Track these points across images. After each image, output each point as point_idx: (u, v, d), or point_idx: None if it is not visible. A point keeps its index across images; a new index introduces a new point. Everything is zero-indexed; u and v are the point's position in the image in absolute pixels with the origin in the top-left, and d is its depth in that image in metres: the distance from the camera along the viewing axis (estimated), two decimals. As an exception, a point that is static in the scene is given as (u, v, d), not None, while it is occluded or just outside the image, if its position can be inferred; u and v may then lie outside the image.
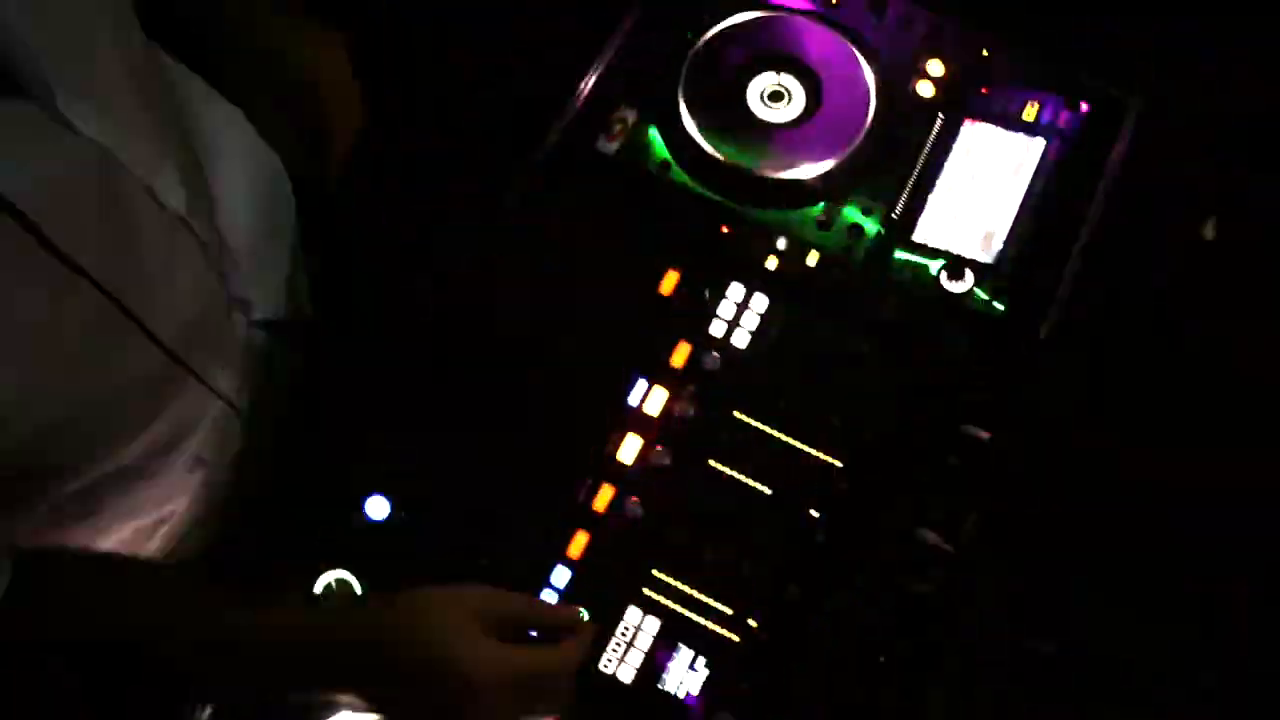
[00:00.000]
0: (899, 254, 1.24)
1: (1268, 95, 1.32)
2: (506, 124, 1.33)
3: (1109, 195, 1.29)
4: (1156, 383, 1.27)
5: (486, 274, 1.23)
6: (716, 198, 1.26)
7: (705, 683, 1.09)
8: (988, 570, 1.15)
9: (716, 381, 1.18)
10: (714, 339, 1.19)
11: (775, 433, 1.16)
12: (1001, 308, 1.21)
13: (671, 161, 1.28)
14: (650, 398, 1.18)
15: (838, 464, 1.15)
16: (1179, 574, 1.25)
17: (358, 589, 1.13)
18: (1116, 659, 1.23)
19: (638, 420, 1.17)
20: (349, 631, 0.94)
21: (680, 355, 1.19)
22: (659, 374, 1.18)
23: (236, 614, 0.94)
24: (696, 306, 1.20)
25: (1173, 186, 1.33)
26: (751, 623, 1.10)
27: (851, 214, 1.26)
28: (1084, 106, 1.28)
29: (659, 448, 1.15)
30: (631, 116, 1.30)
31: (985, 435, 1.18)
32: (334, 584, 1.13)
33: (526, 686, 0.92)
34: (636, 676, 1.10)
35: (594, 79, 1.32)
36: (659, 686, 1.09)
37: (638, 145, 1.29)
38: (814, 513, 1.14)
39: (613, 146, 1.29)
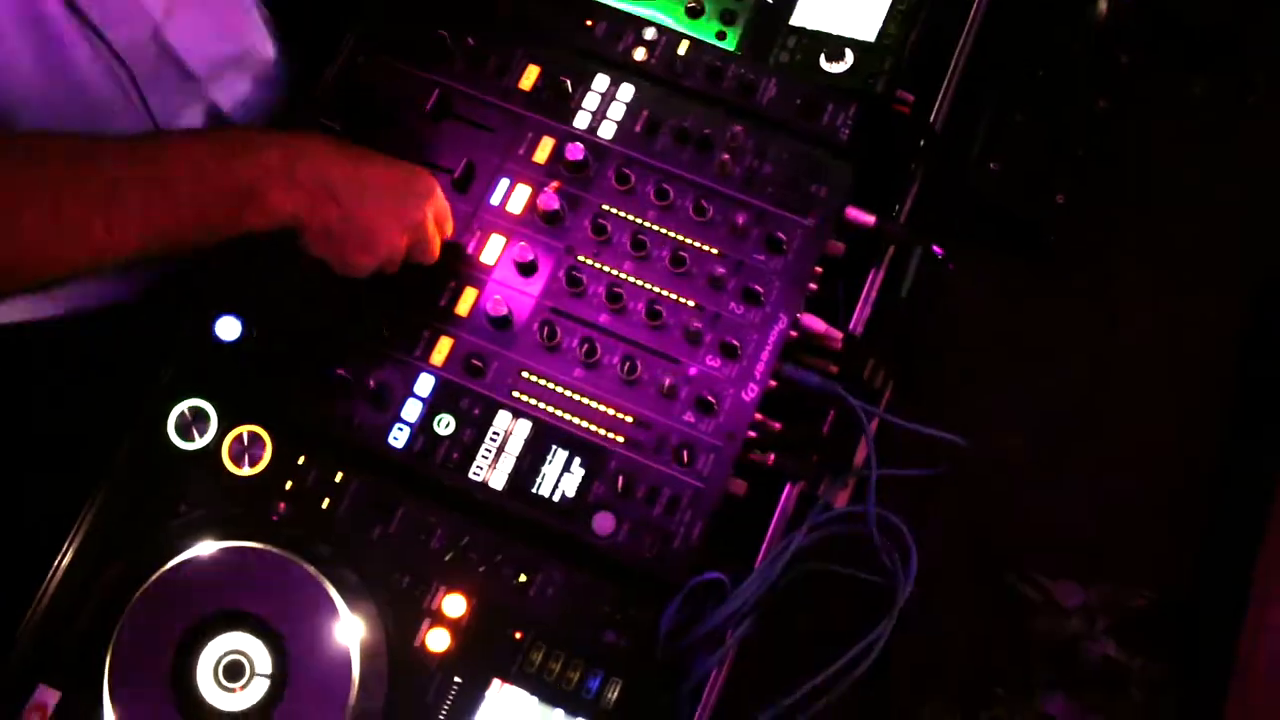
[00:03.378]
0: (775, 38, 1.17)
1: None
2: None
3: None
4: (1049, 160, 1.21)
5: (342, 77, 1.16)
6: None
7: (581, 484, 1.03)
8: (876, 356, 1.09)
9: (581, 174, 1.11)
10: (578, 131, 1.12)
11: (645, 223, 1.09)
12: (882, 88, 1.14)
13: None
14: (513, 196, 1.10)
15: (713, 251, 1.09)
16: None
17: (214, 417, 1.07)
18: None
19: (500, 219, 1.10)
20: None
21: (543, 151, 1.12)
22: (521, 171, 1.11)
23: None
24: (558, 99, 1.13)
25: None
26: (629, 420, 1.05)
27: None
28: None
29: (523, 244, 1.08)
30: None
31: (871, 220, 1.12)
32: (188, 411, 1.07)
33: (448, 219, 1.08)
34: (509, 482, 1.04)
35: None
36: (533, 491, 1.03)
37: (494, -57, 1.21)
38: (690, 303, 1.07)
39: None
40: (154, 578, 1.01)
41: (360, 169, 1.01)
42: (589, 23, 1.16)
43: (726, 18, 1.17)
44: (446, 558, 1.03)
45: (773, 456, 1.07)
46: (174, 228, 0.91)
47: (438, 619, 1.01)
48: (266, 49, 1.22)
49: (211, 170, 0.92)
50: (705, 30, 1.17)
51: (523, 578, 1.02)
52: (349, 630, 0.99)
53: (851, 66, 1.15)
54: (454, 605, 1.02)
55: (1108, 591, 1.13)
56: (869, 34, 1.16)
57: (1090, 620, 1.11)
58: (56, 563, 1.04)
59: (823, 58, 1.15)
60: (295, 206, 0.96)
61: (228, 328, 1.07)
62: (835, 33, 1.16)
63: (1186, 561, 1.15)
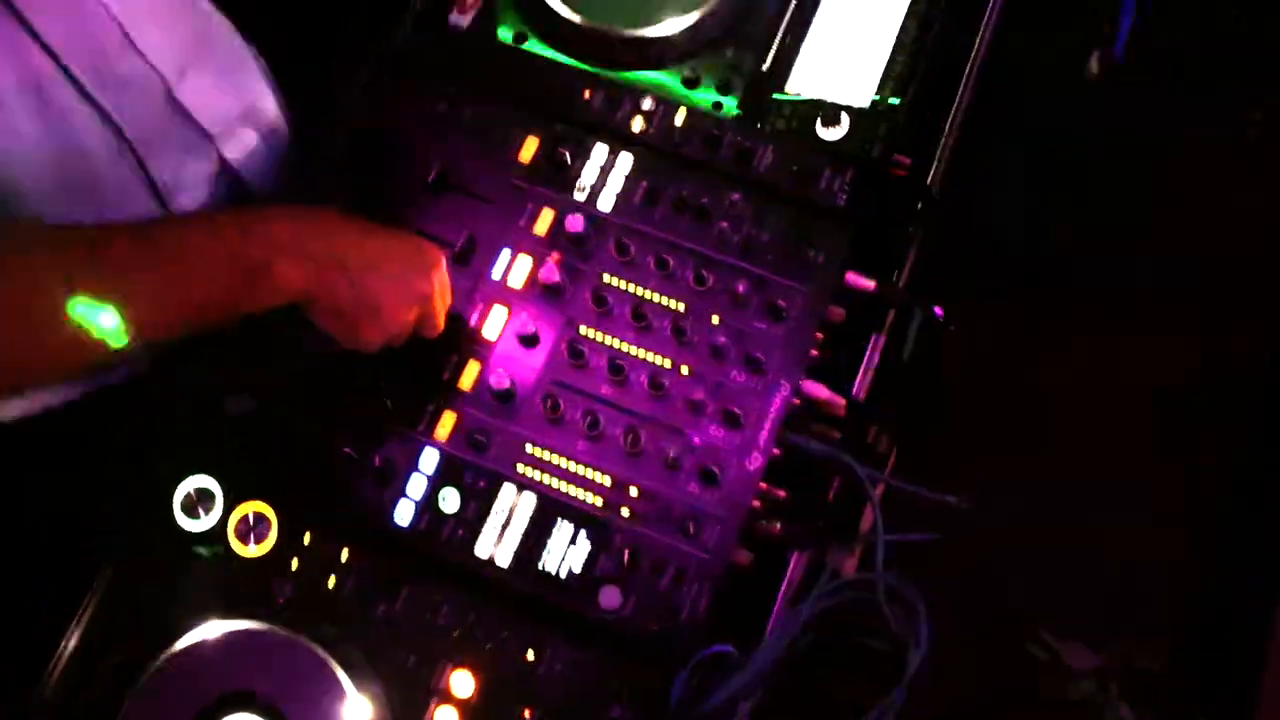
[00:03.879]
0: (771, 106, 1.18)
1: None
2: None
3: (990, 32, 1.24)
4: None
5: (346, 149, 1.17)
6: (576, 64, 1.20)
7: (587, 558, 1.03)
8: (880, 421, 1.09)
9: (582, 246, 1.11)
10: (577, 203, 1.13)
11: (646, 293, 1.10)
12: (878, 152, 1.15)
13: (528, 31, 1.22)
14: (514, 269, 1.11)
15: (714, 320, 1.09)
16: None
17: (220, 496, 1.07)
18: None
19: (502, 292, 1.10)
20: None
21: (543, 223, 1.12)
22: (522, 243, 1.12)
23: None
24: (557, 171, 1.14)
25: (1054, 21, 1.27)
26: (633, 492, 1.04)
27: (720, 69, 1.19)
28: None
29: (524, 317, 1.08)
30: (484, -12, 1.23)
31: (871, 284, 1.13)
32: (194, 492, 1.07)
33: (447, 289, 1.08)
34: (514, 559, 1.03)
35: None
36: (539, 567, 1.03)
37: (492, 17, 1.22)
38: (692, 372, 1.07)
39: (465, 20, 1.23)
40: (160, 660, 1.01)
41: (369, 242, 1.01)
42: (587, 93, 1.18)
43: (722, 87, 1.18)
44: (453, 635, 1.02)
45: (779, 525, 1.07)
46: (185, 309, 0.92)
47: (445, 697, 1.01)
48: (271, 105, 1.23)
49: (221, 249, 0.93)
50: (702, 99, 1.18)
51: (530, 654, 1.01)
52: (356, 711, 0.98)
53: (847, 132, 1.15)
54: (461, 683, 1.01)
55: (1120, 652, 1.12)
56: (864, 99, 1.17)
57: (1103, 684, 1.11)
58: (61, 646, 1.03)
59: (818, 124, 1.16)
60: (306, 281, 0.96)
61: (234, 405, 1.08)
62: (830, 99, 1.17)
63: (1200, 620, 1.14)
